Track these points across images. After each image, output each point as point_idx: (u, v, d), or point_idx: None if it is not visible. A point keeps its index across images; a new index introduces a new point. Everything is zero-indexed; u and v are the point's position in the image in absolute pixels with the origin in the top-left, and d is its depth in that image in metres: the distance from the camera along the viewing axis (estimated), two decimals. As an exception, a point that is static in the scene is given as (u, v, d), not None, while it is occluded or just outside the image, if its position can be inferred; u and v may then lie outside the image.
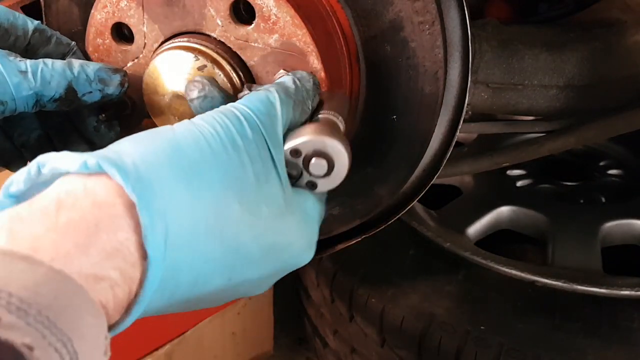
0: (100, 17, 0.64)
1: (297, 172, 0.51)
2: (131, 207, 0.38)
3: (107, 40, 0.65)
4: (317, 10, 0.64)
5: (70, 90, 0.58)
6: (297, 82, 0.53)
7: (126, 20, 0.63)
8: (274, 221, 0.46)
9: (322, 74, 0.60)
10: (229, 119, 0.45)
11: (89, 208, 0.37)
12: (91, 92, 0.58)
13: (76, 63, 0.58)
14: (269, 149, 0.46)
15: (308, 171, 0.50)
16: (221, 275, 0.43)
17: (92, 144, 0.66)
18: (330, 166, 0.50)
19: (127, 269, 0.37)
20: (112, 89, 0.60)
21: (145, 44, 0.64)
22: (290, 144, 0.50)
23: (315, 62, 0.60)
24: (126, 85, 0.61)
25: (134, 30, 0.64)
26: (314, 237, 0.52)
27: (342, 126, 0.55)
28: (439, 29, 0.63)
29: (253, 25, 0.59)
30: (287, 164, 0.49)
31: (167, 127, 0.45)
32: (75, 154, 0.39)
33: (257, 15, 0.59)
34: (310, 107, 0.54)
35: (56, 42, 0.65)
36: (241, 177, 0.44)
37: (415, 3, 0.62)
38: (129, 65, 0.66)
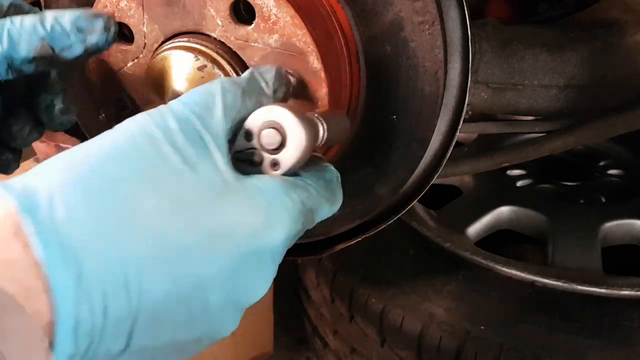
0: None
1: (259, 158, 0.48)
2: (19, 220, 0.36)
3: None
4: (317, 10, 0.64)
5: (45, 48, 0.52)
6: (254, 73, 0.51)
7: (126, 20, 0.63)
8: (209, 205, 0.42)
9: (322, 74, 0.60)
10: (150, 115, 0.43)
11: None
12: (71, 45, 0.52)
13: (49, 15, 0.51)
14: (203, 136, 0.44)
15: (264, 149, 0.48)
16: (156, 274, 0.39)
17: (41, 124, 0.63)
18: (282, 136, 0.47)
19: (24, 278, 0.35)
20: (96, 36, 0.53)
21: (145, 44, 0.64)
22: (242, 129, 0.48)
23: (315, 63, 0.60)
24: (113, 30, 0.55)
25: (134, 30, 0.64)
26: (277, 215, 0.45)
27: (321, 128, 0.52)
28: (439, 29, 0.62)
29: (253, 25, 0.59)
30: (245, 152, 0.48)
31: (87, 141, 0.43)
32: None
33: (257, 15, 0.59)
34: (272, 96, 0.51)
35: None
36: (158, 168, 0.41)
37: (415, 3, 0.62)
38: (129, 65, 0.66)
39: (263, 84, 0.51)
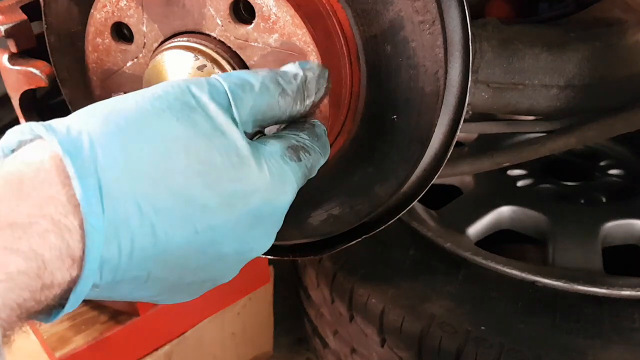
0: (100, 17, 0.64)
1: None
2: (60, 161, 0.40)
3: (107, 40, 0.65)
4: (317, 10, 0.63)
5: None
6: (300, 83, 0.54)
7: (126, 20, 0.63)
8: (232, 170, 0.46)
9: None
10: (188, 81, 0.48)
11: (17, 166, 0.39)
12: None
13: None
14: (232, 110, 0.48)
15: None
16: (181, 226, 0.44)
17: None
18: None
19: (60, 218, 0.38)
20: None
21: (144, 43, 0.64)
22: None
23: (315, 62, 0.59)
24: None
25: (133, 30, 0.64)
26: (287, 184, 0.51)
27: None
28: (439, 28, 0.62)
29: (253, 24, 0.59)
30: None
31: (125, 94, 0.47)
32: (17, 126, 0.42)
33: (257, 14, 0.59)
34: (305, 101, 0.55)
35: None
36: (191, 131, 0.45)
37: (416, 2, 0.62)
38: (128, 64, 0.66)
39: (305, 94, 0.55)
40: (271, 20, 0.58)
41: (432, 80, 0.65)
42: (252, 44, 0.60)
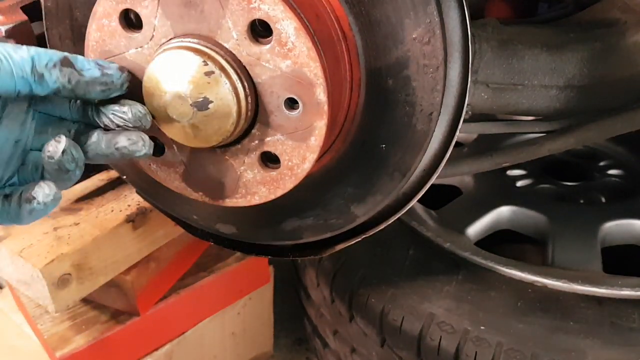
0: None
1: None
2: None
3: (114, 23, 0.65)
4: (329, 35, 0.64)
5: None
6: None
7: (138, 9, 0.63)
8: None
9: (325, 107, 0.61)
10: None
11: None
12: (93, 94, 0.61)
13: (73, 79, 0.59)
14: None
15: None
16: None
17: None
18: None
19: None
20: (114, 91, 0.62)
21: (153, 36, 0.64)
22: None
23: (321, 95, 0.60)
24: (125, 86, 0.63)
25: (144, 21, 0.63)
26: None
27: None
28: (442, 74, 0.64)
29: (268, 46, 0.60)
30: None
31: None
32: None
33: (274, 39, 0.59)
34: None
35: None
36: None
37: (425, 47, 0.64)
38: (131, 52, 0.65)
39: None
40: (287, 47, 0.59)
41: (425, 120, 0.67)
42: (264, 63, 0.61)
